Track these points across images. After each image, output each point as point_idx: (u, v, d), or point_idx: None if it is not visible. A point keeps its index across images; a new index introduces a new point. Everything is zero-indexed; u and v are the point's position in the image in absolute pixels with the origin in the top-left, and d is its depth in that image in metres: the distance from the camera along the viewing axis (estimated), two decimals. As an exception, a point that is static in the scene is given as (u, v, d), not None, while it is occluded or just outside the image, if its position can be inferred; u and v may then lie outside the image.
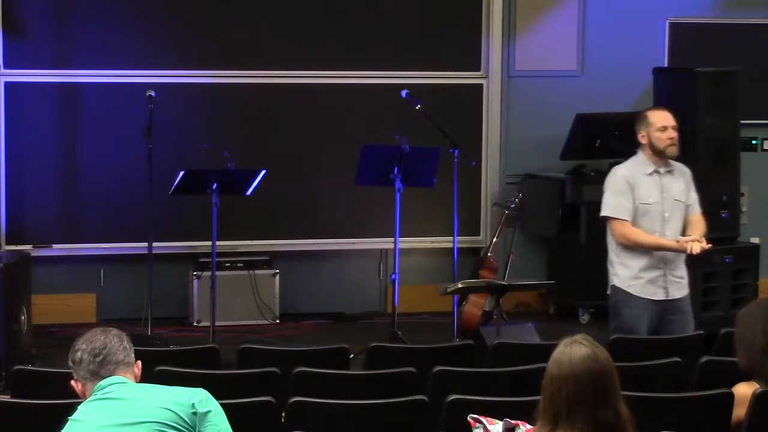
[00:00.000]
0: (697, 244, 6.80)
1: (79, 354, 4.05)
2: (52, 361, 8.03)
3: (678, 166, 7.02)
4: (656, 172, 6.94)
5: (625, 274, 6.93)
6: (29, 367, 6.21)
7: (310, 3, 9.71)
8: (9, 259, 7.85)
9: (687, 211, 6.98)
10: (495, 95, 10.01)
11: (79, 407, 4.03)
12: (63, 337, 9.01)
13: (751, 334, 4.76)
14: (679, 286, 6.94)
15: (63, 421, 4.01)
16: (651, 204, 6.89)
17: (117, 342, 4.06)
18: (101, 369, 4.02)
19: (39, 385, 5.44)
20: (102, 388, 4.00)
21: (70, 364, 4.08)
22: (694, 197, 7.01)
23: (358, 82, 9.76)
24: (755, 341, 4.74)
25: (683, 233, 6.93)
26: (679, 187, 6.96)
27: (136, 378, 4.10)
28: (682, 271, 6.96)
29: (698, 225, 6.97)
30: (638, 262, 6.90)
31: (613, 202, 6.95)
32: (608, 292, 7.09)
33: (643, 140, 6.96)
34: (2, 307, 7.45)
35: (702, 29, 10.26)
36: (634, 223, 6.89)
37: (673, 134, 6.90)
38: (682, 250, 6.85)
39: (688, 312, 6.99)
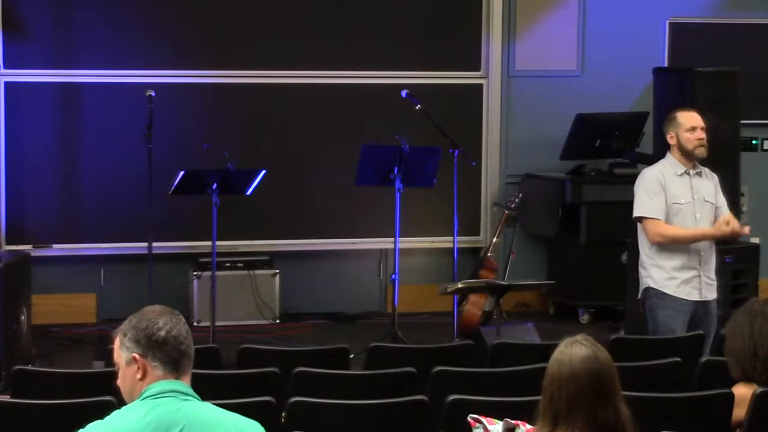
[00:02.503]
0: (735, 221, 6.83)
1: (163, 333, 3.43)
2: (52, 361, 8.05)
3: (705, 169, 7.02)
4: (686, 173, 6.92)
5: (660, 275, 6.88)
6: (29, 367, 6.22)
7: (310, 3, 9.71)
8: (9, 259, 7.85)
9: (716, 213, 6.97)
10: (495, 95, 10.02)
11: (121, 410, 3.43)
12: (63, 337, 9.04)
13: (740, 342, 4.75)
14: (711, 288, 6.93)
15: (63, 421, 3.98)
16: (683, 204, 6.87)
17: (188, 330, 3.50)
18: (182, 361, 3.45)
19: (39, 385, 5.43)
20: (159, 396, 3.41)
21: (141, 338, 3.42)
22: (722, 200, 7.01)
23: (358, 82, 9.77)
24: (744, 348, 4.74)
25: None
26: (708, 189, 6.97)
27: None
28: (713, 273, 6.95)
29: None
30: (672, 263, 6.86)
31: (645, 202, 6.89)
32: (639, 296, 7.05)
33: (672, 141, 6.93)
34: (2, 307, 7.45)
35: (702, 29, 10.26)
36: (667, 223, 6.88)
37: (702, 135, 6.89)
38: (722, 233, 6.84)
39: (715, 314, 6.97)
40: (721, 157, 8.72)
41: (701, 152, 6.91)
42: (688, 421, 4.84)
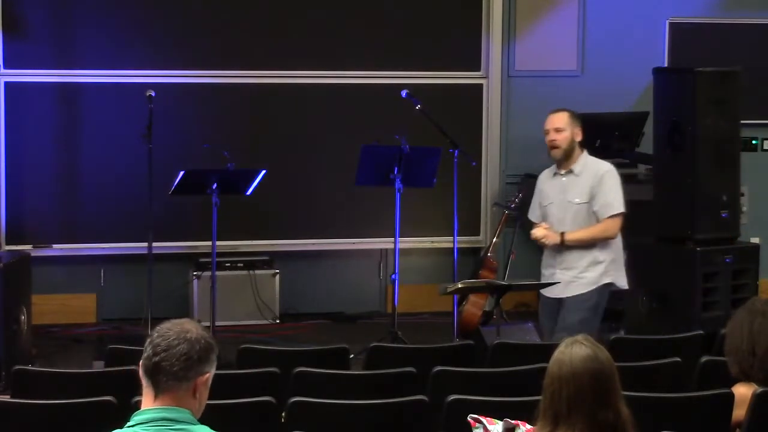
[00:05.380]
0: (541, 230, 6.98)
1: (147, 341, 3.24)
2: (52, 361, 8.05)
3: (591, 168, 7.07)
4: (558, 174, 7.12)
5: None
6: (29, 367, 6.22)
7: (310, 3, 9.71)
8: (9, 259, 7.85)
9: (597, 215, 7.03)
10: (495, 95, 10.02)
11: None
12: (63, 337, 9.03)
13: (738, 339, 4.77)
14: (566, 284, 7.03)
15: (63, 421, 3.97)
16: (546, 206, 7.15)
17: (185, 348, 3.25)
18: (156, 377, 3.19)
19: (39, 385, 5.43)
20: (145, 424, 3.14)
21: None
22: (601, 201, 7.02)
23: (358, 82, 9.77)
24: (742, 345, 4.75)
25: None
26: (578, 189, 7.06)
27: (194, 396, 3.25)
28: (578, 271, 7.04)
29: (591, 227, 7.03)
30: (543, 260, 7.20)
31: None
32: None
33: None
34: (2, 307, 7.45)
35: (702, 29, 10.26)
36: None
37: (553, 137, 7.04)
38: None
39: (573, 311, 7.02)
40: (721, 157, 8.73)
41: (553, 154, 7.09)
42: (688, 421, 4.84)
